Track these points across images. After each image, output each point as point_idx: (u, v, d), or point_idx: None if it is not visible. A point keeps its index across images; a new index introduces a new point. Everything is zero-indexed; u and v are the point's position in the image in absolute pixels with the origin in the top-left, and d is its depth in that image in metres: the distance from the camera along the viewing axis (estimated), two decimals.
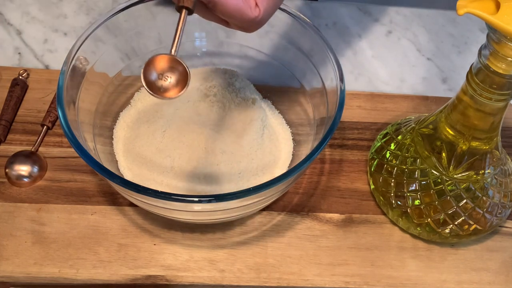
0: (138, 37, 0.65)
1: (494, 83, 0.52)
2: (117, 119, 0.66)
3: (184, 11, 0.43)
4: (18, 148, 0.66)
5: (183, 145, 0.61)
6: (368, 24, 0.83)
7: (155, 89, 0.43)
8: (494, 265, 0.62)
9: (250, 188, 0.51)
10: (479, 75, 0.53)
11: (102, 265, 0.59)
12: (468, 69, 0.55)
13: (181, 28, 0.43)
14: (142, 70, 0.42)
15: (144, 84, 0.42)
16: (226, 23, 0.48)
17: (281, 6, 0.61)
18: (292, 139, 0.67)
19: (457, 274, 0.62)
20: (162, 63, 0.43)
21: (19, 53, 0.76)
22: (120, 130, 0.65)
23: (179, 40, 0.43)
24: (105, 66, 0.63)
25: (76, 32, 0.78)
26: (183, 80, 0.43)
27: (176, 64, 0.43)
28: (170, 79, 0.43)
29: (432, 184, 0.60)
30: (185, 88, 0.43)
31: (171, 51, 0.43)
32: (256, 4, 0.47)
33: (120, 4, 0.61)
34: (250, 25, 0.48)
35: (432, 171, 0.60)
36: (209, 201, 0.51)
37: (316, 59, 0.62)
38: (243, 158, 0.62)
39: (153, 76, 0.43)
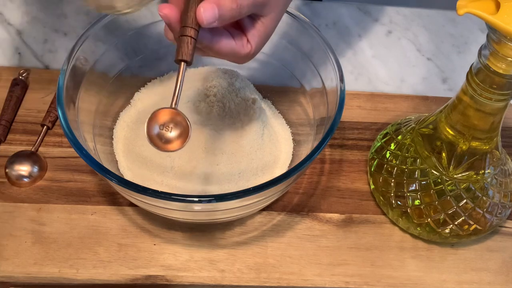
0: (138, 37, 0.65)
1: (494, 83, 0.52)
2: (117, 119, 0.66)
3: (183, 64, 0.44)
4: (18, 148, 0.66)
5: None
6: (368, 24, 0.83)
7: (158, 142, 0.45)
8: (494, 265, 0.62)
9: (250, 188, 0.51)
10: (479, 75, 0.53)
11: (102, 265, 0.59)
12: (468, 69, 0.55)
13: (180, 80, 0.45)
14: (145, 125, 0.44)
15: (148, 139, 0.45)
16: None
17: None
18: (292, 139, 0.67)
19: (457, 274, 0.62)
20: (163, 116, 0.45)
21: (19, 53, 0.76)
22: (120, 130, 0.65)
23: (179, 92, 0.45)
24: (105, 66, 0.63)
25: (76, 32, 0.78)
26: (185, 132, 0.45)
27: (177, 116, 0.45)
28: (172, 131, 0.45)
29: (432, 184, 0.60)
30: (187, 140, 0.45)
31: (172, 103, 0.44)
32: (248, 41, 0.49)
33: None
34: (242, 60, 0.50)
35: (432, 171, 0.60)
36: (209, 201, 0.51)
37: (316, 59, 0.62)
38: (243, 158, 0.62)
39: (156, 130, 0.45)
